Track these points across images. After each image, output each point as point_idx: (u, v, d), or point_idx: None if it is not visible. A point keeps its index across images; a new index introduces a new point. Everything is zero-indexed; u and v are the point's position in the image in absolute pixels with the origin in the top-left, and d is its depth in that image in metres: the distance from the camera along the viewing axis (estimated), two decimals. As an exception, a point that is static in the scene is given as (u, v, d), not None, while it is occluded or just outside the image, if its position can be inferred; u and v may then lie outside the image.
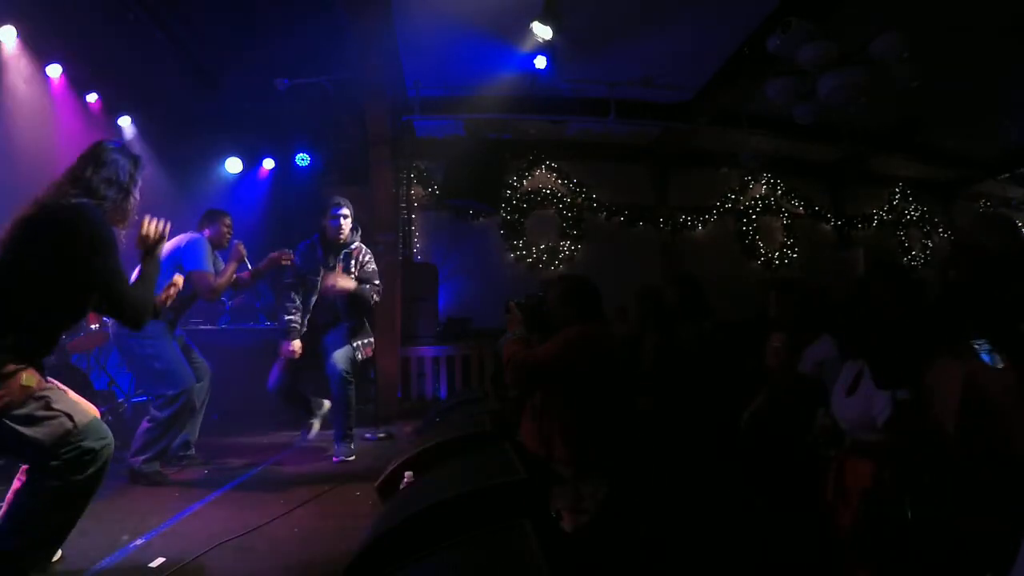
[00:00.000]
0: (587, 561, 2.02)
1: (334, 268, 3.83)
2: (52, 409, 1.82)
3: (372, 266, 3.92)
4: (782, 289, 3.20)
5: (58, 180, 2.01)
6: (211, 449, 3.89)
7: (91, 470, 1.85)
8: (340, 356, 3.78)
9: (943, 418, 1.61)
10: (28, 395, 1.79)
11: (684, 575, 2.14)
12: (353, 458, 3.80)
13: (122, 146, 2.18)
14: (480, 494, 1.61)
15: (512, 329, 2.53)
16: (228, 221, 3.75)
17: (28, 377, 1.80)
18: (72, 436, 1.83)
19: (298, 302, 3.80)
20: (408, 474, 2.49)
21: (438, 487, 1.85)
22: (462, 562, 1.29)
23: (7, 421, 1.75)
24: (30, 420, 1.78)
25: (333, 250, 3.85)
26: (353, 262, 3.87)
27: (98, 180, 2.02)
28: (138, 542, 2.30)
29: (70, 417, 1.84)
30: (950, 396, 1.58)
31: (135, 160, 2.17)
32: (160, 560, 2.12)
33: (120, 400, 4.50)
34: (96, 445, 1.87)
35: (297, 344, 3.75)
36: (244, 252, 3.64)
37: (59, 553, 2.04)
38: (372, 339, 4.04)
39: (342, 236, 3.82)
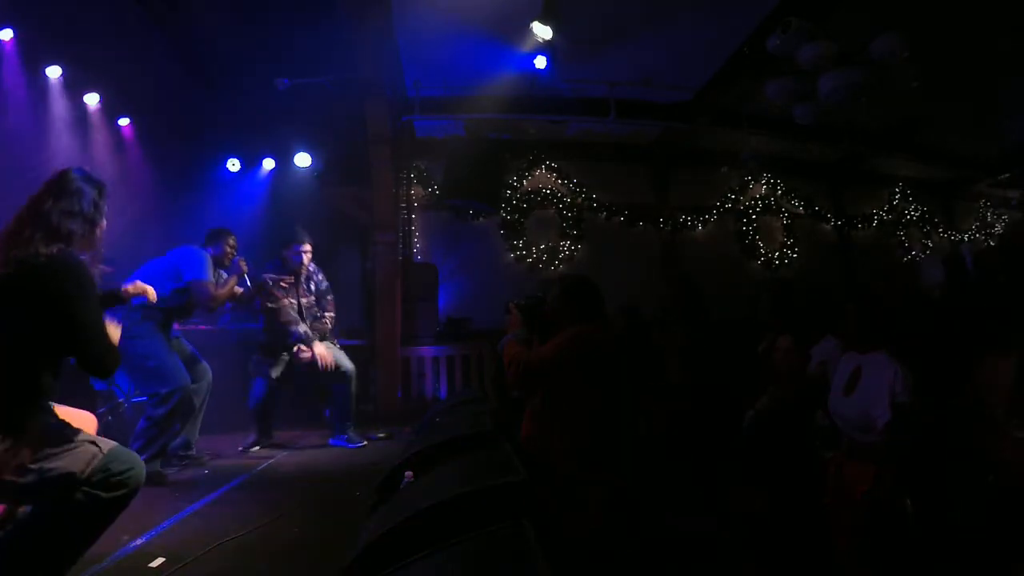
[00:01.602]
0: (587, 561, 2.02)
1: (295, 291, 4.27)
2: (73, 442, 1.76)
3: (325, 283, 4.42)
4: (778, 290, 3.20)
5: (20, 215, 1.88)
6: (211, 449, 3.90)
7: (118, 492, 1.78)
8: (344, 357, 4.22)
9: (994, 409, 1.62)
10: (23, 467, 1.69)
11: (684, 575, 2.14)
12: (365, 444, 4.19)
13: (86, 174, 2.03)
14: (480, 494, 1.61)
15: (512, 330, 2.53)
16: (232, 241, 3.89)
17: (23, 455, 1.69)
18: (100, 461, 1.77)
19: (293, 316, 4.15)
20: (408, 474, 2.49)
21: (438, 487, 1.85)
22: (462, 562, 1.28)
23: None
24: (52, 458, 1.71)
25: (294, 275, 4.28)
26: (312, 284, 4.34)
27: (58, 214, 1.87)
28: (138, 542, 2.29)
29: (94, 443, 1.80)
30: (1002, 388, 1.59)
31: (100, 188, 2.03)
32: (160, 560, 2.11)
33: (120, 400, 4.50)
34: (123, 468, 1.80)
35: (321, 347, 4.11)
36: (246, 268, 3.87)
37: None
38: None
39: (303, 270, 4.29)
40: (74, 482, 1.73)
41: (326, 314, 4.34)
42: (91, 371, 1.95)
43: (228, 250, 3.85)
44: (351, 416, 4.27)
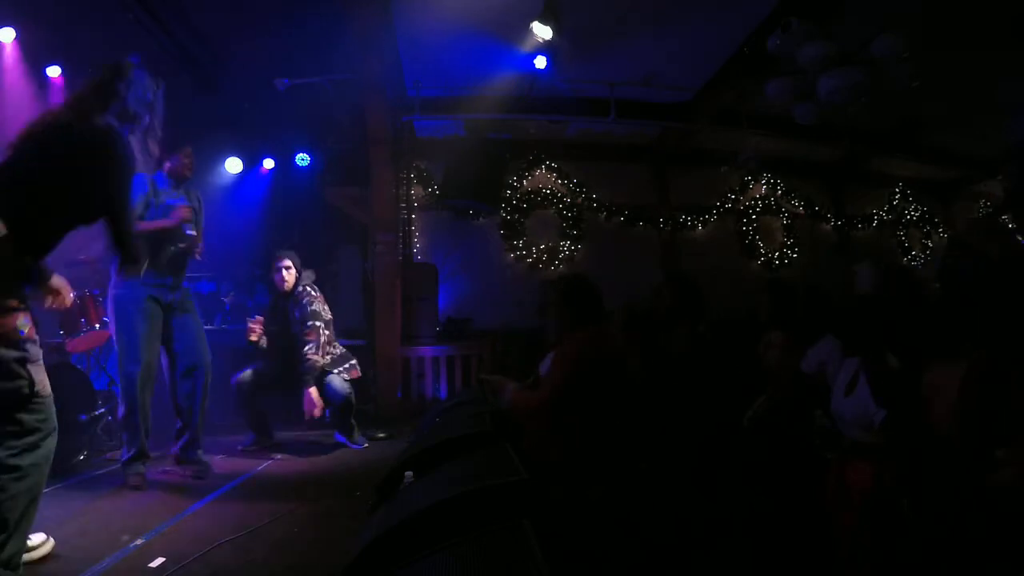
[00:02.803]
0: (587, 561, 2.02)
1: (283, 315, 4.14)
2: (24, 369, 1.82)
3: (312, 306, 4.07)
4: (777, 290, 3.20)
5: (80, 94, 2.00)
6: (210, 449, 3.89)
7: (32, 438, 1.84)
8: (339, 384, 4.04)
9: (941, 420, 1.61)
10: (17, 339, 1.80)
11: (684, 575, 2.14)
12: (367, 445, 4.18)
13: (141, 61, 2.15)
14: (480, 494, 1.61)
15: (503, 391, 2.42)
16: (188, 151, 3.44)
17: (22, 322, 1.81)
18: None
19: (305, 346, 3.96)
20: (408, 474, 2.49)
21: (438, 487, 1.85)
22: (462, 562, 1.28)
23: None
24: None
25: (280, 298, 4.18)
26: (298, 312, 4.08)
27: (132, 99, 2.04)
28: (138, 542, 2.29)
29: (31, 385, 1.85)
30: (950, 398, 1.58)
31: (158, 81, 2.16)
32: (160, 560, 2.12)
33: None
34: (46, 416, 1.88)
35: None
36: (187, 216, 3.25)
37: (48, 547, 2.04)
38: (355, 361, 4.29)
39: (286, 286, 4.13)
40: (26, 395, 1.81)
41: (306, 350, 3.90)
42: (121, 242, 2.06)
43: (185, 160, 3.39)
44: (352, 425, 4.20)
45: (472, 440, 2.46)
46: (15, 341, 1.80)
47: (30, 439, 1.82)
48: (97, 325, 3.99)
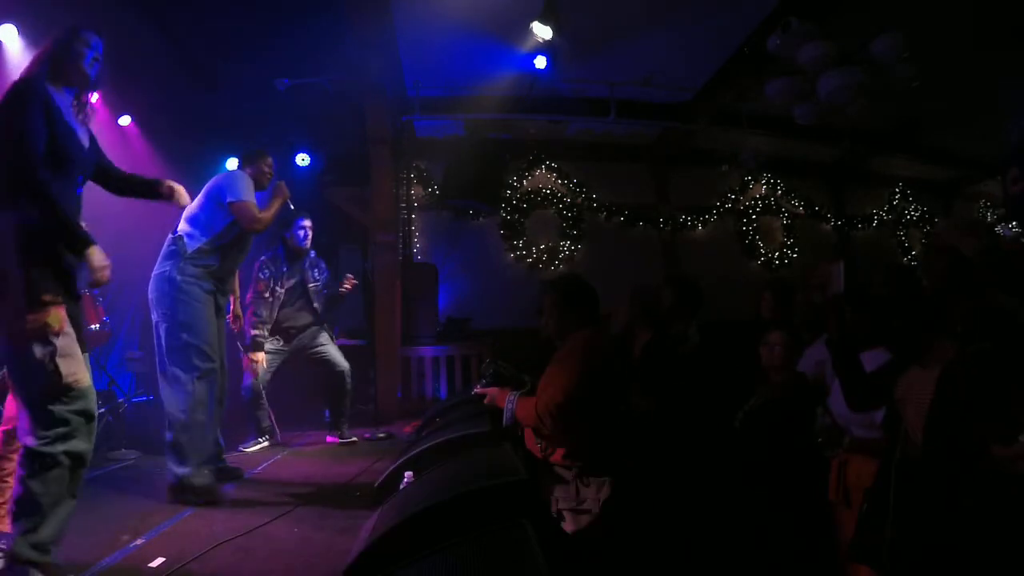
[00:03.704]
0: (587, 561, 2.02)
1: (299, 278, 4.26)
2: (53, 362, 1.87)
3: (327, 271, 4.51)
4: (777, 290, 3.20)
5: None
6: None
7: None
8: (339, 354, 4.34)
9: (913, 425, 1.60)
10: (46, 335, 1.85)
11: (685, 575, 2.14)
12: (355, 440, 4.29)
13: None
14: (480, 494, 1.61)
15: (504, 401, 2.38)
16: (269, 161, 3.53)
17: (55, 316, 1.86)
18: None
19: (264, 315, 4.05)
20: (408, 474, 2.49)
21: (438, 487, 1.85)
22: (462, 562, 1.29)
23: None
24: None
25: (296, 260, 4.27)
26: (316, 271, 4.38)
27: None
28: (138, 542, 2.29)
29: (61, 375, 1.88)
30: (922, 401, 1.57)
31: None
32: (160, 560, 2.11)
33: (120, 400, 4.50)
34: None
35: (262, 356, 4.01)
36: (287, 191, 3.42)
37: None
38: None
39: (307, 243, 4.28)
40: (58, 388, 1.86)
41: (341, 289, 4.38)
42: None
43: (265, 170, 3.48)
44: (345, 414, 4.35)
45: (472, 440, 2.46)
46: (45, 336, 1.85)
47: (62, 429, 1.87)
48: (96, 325, 3.99)
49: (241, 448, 4.08)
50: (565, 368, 2.21)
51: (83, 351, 2.00)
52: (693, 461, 2.62)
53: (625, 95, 6.24)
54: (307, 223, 4.28)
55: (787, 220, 8.26)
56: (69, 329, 1.94)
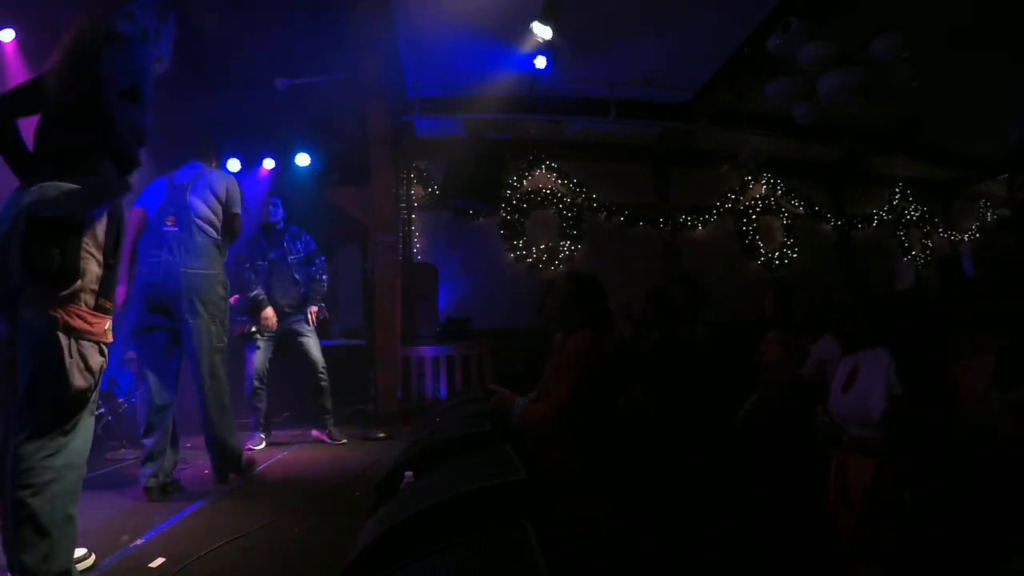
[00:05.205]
0: (587, 562, 2.02)
1: (281, 253, 4.36)
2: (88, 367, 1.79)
3: (313, 244, 4.52)
4: (780, 289, 3.20)
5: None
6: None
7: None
8: (317, 348, 4.34)
9: (970, 411, 1.61)
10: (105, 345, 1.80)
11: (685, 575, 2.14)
12: (345, 441, 4.32)
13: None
14: (480, 494, 1.61)
15: (511, 407, 2.39)
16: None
17: (109, 327, 1.82)
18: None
19: (254, 280, 4.22)
20: (408, 474, 2.49)
21: (438, 487, 1.84)
22: (462, 563, 1.28)
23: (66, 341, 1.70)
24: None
25: (273, 235, 4.42)
26: (299, 243, 4.45)
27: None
28: (138, 542, 2.29)
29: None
30: (978, 389, 1.58)
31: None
32: (160, 560, 2.11)
33: (120, 400, 4.50)
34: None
35: (271, 310, 4.12)
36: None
37: (90, 561, 2.02)
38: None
39: (275, 220, 4.44)
40: (85, 398, 1.77)
41: (323, 277, 4.44)
42: None
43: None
44: (328, 411, 4.35)
45: (472, 440, 2.46)
46: (103, 347, 1.79)
47: (63, 440, 1.77)
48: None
49: (249, 447, 4.07)
50: (569, 373, 2.21)
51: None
52: (693, 461, 2.62)
53: (625, 95, 6.24)
54: (275, 199, 4.53)
55: (787, 220, 8.27)
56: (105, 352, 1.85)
